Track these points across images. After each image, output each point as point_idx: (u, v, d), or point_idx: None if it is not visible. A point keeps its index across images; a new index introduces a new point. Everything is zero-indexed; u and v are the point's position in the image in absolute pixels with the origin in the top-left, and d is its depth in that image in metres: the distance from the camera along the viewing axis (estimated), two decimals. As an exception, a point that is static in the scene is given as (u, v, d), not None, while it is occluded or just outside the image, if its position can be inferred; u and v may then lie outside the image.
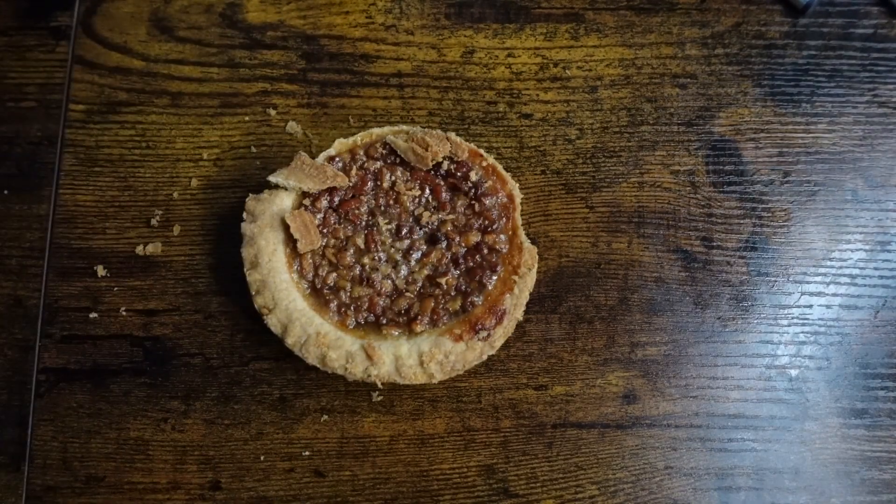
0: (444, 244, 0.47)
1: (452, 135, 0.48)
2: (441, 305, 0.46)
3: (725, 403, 0.49)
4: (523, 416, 0.49)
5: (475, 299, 0.46)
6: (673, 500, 0.48)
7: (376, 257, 0.47)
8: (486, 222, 0.47)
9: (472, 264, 0.46)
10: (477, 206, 0.47)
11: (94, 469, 0.48)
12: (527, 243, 0.47)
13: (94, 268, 0.51)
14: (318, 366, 0.45)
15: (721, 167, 0.53)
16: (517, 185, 0.49)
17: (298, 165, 0.47)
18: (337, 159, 0.48)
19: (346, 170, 0.48)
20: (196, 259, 0.51)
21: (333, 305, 0.46)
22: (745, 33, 0.55)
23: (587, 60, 0.55)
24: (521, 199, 0.49)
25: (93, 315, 0.50)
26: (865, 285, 0.51)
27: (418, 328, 0.45)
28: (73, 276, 0.51)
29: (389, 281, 0.46)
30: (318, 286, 0.46)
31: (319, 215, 0.47)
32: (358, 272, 0.46)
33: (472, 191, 0.47)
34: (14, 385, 0.50)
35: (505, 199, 0.48)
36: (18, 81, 0.55)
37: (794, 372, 0.50)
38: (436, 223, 0.47)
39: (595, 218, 0.52)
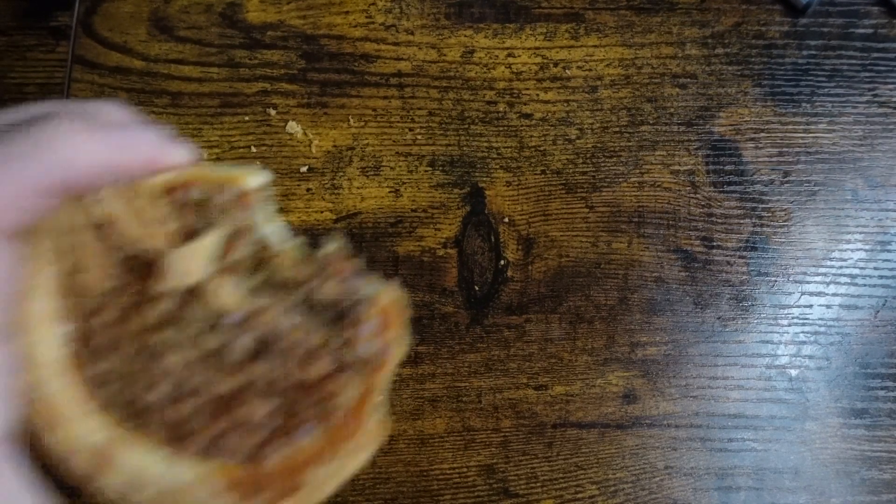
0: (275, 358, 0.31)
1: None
2: (233, 434, 0.30)
3: (725, 403, 0.49)
4: (523, 416, 0.49)
5: (274, 451, 0.30)
6: (673, 500, 0.48)
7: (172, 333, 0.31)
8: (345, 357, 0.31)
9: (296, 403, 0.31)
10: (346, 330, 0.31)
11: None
12: (376, 417, 0.31)
13: (94, 268, 0.51)
14: None
15: (721, 167, 0.53)
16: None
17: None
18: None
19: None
20: (196, 259, 0.51)
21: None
22: (745, 33, 0.55)
23: (587, 60, 0.55)
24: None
25: (93, 315, 0.50)
26: (865, 285, 0.51)
27: (189, 449, 0.30)
28: (73, 276, 0.51)
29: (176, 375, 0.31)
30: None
31: None
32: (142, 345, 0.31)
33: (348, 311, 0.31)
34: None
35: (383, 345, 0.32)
36: (18, 81, 0.55)
37: (794, 372, 0.50)
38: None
39: (595, 218, 0.52)
